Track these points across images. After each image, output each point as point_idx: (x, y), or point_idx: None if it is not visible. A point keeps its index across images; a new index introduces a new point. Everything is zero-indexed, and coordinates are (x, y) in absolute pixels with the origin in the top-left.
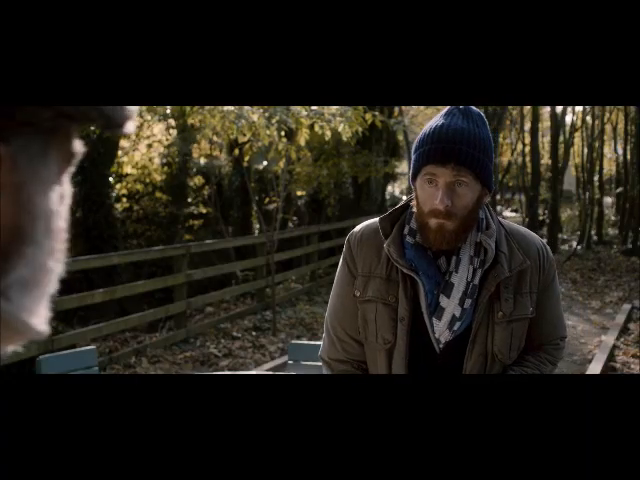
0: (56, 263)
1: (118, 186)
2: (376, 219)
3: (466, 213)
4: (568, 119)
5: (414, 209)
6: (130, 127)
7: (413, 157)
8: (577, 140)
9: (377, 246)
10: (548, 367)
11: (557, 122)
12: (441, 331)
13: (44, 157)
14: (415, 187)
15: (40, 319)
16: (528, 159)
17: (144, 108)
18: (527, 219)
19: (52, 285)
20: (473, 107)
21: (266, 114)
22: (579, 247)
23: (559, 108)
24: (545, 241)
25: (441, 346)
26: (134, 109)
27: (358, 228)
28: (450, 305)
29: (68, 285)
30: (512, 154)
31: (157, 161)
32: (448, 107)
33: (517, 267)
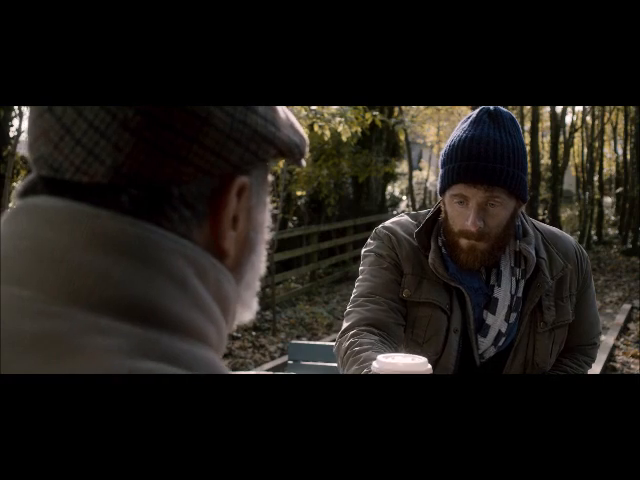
0: (264, 266)
1: None
2: (403, 218)
3: (500, 231)
4: (568, 119)
5: (443, 223)
6: (304, 162)
7: (441, 171)
8: (577, 140)
9: (417, 251)
10: (586, 369)
11: (557, 122)
12: (486, 347)
13: (265, 185)
14: (444, 202)
15: (252, 311)
16: (528, 159)
17: None
18: None
19: (259, 284)
20: (503, 109)
21: None
22: None
23: (559, 108)
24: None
25: (483, 360)
26: (307, 143)
27: (394, 226)
28: (496, 322)
29: None
30: None
31: None
32: (477, 110)
33: (559, 273)
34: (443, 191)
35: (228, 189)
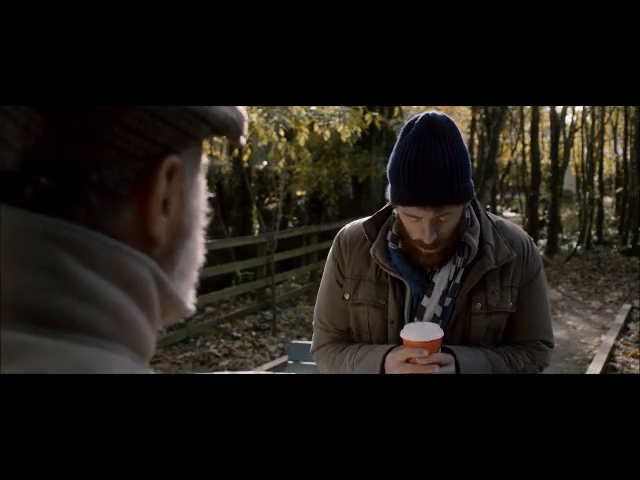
0: (201, 254)
1: None
2: (365, 218)
3: (452, 234)
4: (568, 119)
5: (397, 222)
6: (243, 140)
7: (389, 187)
8: (577, 140)
9: (366, 249)
10: (522, 357)
11: (557, 122)
12: None
13: (198, 166)
14: (397, 210)
15: (190, 301)
16: (528, 159)
17: None
18: (527, 219)
19: (197, 273)
20: (439, 115)
21: (265, 114)
22: (579, 247)
23: (559, 108)
24: (546, 241)
25: None
26: (245, 120)
27: (348, 228)
28: (431, 304)
29: None
30: (512, 154)
31: None
32: (417, 122)
33: (504, 259)
34: (395, 204)
35: (156, 171)
